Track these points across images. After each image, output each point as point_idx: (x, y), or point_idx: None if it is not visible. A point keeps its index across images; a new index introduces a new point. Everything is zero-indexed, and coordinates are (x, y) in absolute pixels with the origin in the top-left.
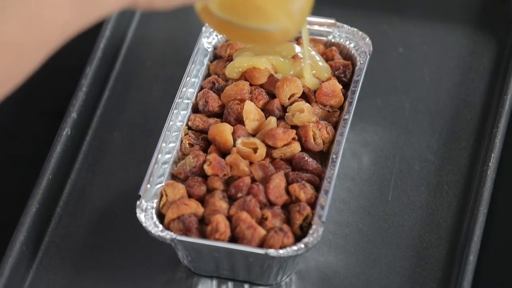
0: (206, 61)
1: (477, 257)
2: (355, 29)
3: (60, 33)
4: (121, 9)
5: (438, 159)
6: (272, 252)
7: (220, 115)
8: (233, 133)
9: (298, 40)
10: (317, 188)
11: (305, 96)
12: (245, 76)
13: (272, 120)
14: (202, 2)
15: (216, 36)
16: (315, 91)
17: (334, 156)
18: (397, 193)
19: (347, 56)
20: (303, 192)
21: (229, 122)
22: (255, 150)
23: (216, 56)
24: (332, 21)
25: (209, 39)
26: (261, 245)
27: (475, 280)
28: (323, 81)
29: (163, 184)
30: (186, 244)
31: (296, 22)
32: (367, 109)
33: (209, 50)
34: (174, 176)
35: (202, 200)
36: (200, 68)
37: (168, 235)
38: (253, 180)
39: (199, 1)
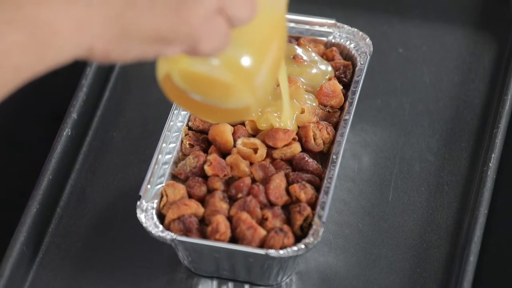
0: None
1: (477, 258)
2: (356, 29)
3: (12, 77)
4: (76, 58)
5: (438, 160)
6: (272, 252)
7: None
8: (234, 134)
9: (298, 41)
10: (318, 188)
11: None
12: None
13: None
14: (164, 69)
15: None
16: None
17: (334, 157)
18: (397, 194)
19: (348, 56)
20: (304, 192)
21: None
22: (255, 150)
23: None
24: (333, 21)
25: None
26: (262, 245)
27: (475, 281)
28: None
29: (164, 184)
30: (186, 245)
31: (259, 99)
32: (367, 110)
33: None
34: (174, 177)
35: (202, 201)
36: None
37: (168, 235)
38: (254, 181)
39: (162, 66)
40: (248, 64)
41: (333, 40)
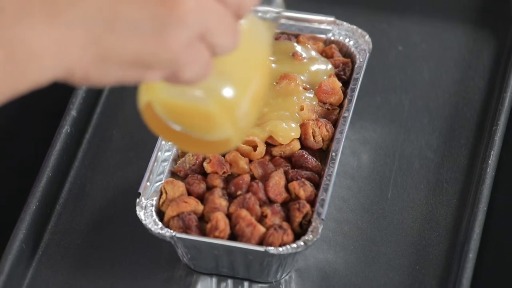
0: None
1: (477, 255)
2: (355, 26)
3: None
4: (54, 80)
5: (438, 157)
6: (271, 249)
7: None
8: None
9: (298, 38)
10: (317, 185)
11: None
12: None
13: None
14: (146, 97)
15: None
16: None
17: (333, 154)
18: (397, 191)
19: (347, 53)
20: (303, 189)
21: None
22: (254, 148)
23: None
24: (332, 18)
25: None
26: (261, 242)
27: (474, 278)
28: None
29: (163, 181)
30: (185, 242)
31: (240, 132)
32: (366, 107)
33: None
34: (173, 174)
35: (201, 198)
36: None
37: (167, 232)
38: (253, 178)
39: (144, 94)
40: (230, 95)
41: (332, 38)
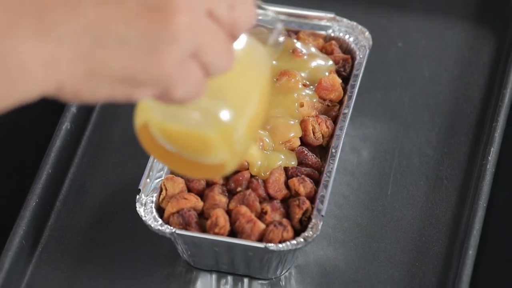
0: None
1: (476, 251)
2: (355, 23)
3: None
4: (43, 95)
5: (438, 154)
6: (271, 246)
7: None
8: None
9: (297, 35)
10: (317, 182)
11: None
12: None
13: None
14: (143, 118)
15: None
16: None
17: (333, 150)
18: (397, 188)
19: (347, 50)
20: (303, 186)
21: None
22: None
23: None
24: (332, 15)
25: None
26: (261, 239)
27: (474, 274)
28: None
29: (163, 178)
30: (185, 238)
31: (235, 156)
32: (366, 104)
33: None
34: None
35: (201, 194)
36: None
37: (167, 229)
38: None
39: (141, 115)
40: (227, 118)
41: (332, 34)
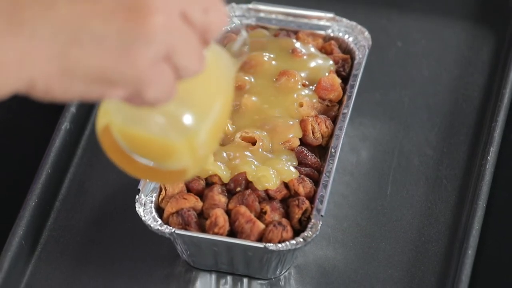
0: None
1: (476, 251)
2: (354, 23)
3: None
4: (13, 93)
5: (437, 153)
6: (271, 246)
7: None
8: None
9: (297, 35)
10: (316, 182)
11: None
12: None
13: None
14: (105, 120)
15: None
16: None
17: (333, 150)
18: (396, 188)
19: (346, 50)
20: (302, 186)
21: None
22: (253, 144)
23: None
24: (331, 15)
25: None
26: (260, 239)
27: (473, 274)
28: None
29: None
30: (185, 238)
31: (197, 162)
32: (366, 104)
33: None
34: None
35: (201, 194)
36: None
37: (167, 229)
38: None
39: (103, 117)
40: (190, 123)
41: (331, 34)
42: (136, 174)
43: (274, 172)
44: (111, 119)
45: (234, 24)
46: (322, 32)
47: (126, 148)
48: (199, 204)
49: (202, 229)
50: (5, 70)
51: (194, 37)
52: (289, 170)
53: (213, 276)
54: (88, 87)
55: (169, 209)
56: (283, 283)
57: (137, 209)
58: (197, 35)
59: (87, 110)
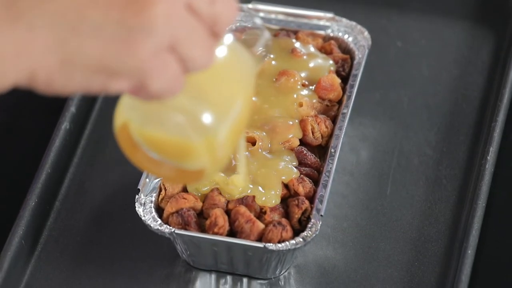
0: None
1: (475, 251)
2: (354, 23)
3: None
4: (14, 85)
5: (437, 153)
6: (270, 246)
7: None
8: None
9: (297, 34)
10: (316, 182)
11: None
12: None
13: None
14: (124, 117)
15: None
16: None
17: (332, 150)
18: (396, 187)
19: (346, 50)
20: (302, 186)
21: None
22: (253, 144)
23: None
24: (331, 15)
25: None
26: (260, 239)
27: (473, 274)
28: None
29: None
30: (185, 238)
31: (216, 163)
32: (365, 103)
33: None
34: None
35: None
36: None
37: (167, 229)
38: None
39: (121, 114)
40: (209, 122)
41: (331, 34)
42: (154, 173)
43: (276, 191)
44: (129, 117)
45: (257, 24)
46: (321, 32)
47: (144, 147)
48: (198, 204)
49: (202, 229)
50: (4, 62)
51: (201, 28)
52: (289, 170)
53: (213, 276)
54: (89, 78)
55: (168, 209)
56: (282, 283)
57: (137, 209)
58: (205, 27)
59: (87, 110)
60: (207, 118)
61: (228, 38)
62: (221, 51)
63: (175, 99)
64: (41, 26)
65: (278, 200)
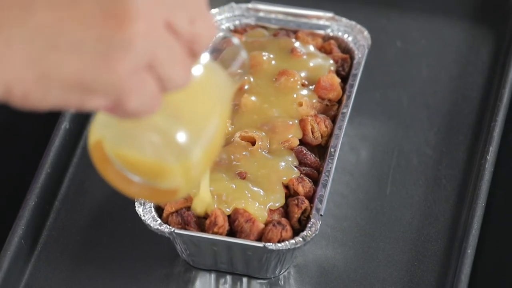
0: None
1: (475, 251)
2: (354, 22)
3: None
4: None
5: (436, 153)
6: (270, 245)
7: None
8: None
9: (296, 34)
10: (316, 181)
11: None
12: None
13: None
14: (98, 134)
15: None
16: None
17: (332, 150)
18: (395, 187)
19: (346, 49)
20: (301, 185)
21: None
22: (253, 143)
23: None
24: (331, 14)
25: None
26: (260, 238)
27: (473, 274)
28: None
29: None
30: (184, 238)
31: (190, 182)
32: (365, 103)
33: None
34: None
35: None
36: None
37: (166, 228)
38: None
39: (96, 130)
40: (184, 141)
41: (331, 33)
42: (126, 192)
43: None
44: (103, 135)
45: (234, 43)
46: (321, 32)
47: (118, 165)
48: None
49: (202, 229)
50: None
51: (180, 47)
52: (289, 169)
53: (213, 276)
54: (66, 94)
55: (168, 208)
56: (282, 282)
57: (136, 208)
58: (183, 46)
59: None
60: (182, 138)
61: (205, 57)
62: (197, 71)
63: (150, 118)
64: (19, 41)
65: (283, 201)
